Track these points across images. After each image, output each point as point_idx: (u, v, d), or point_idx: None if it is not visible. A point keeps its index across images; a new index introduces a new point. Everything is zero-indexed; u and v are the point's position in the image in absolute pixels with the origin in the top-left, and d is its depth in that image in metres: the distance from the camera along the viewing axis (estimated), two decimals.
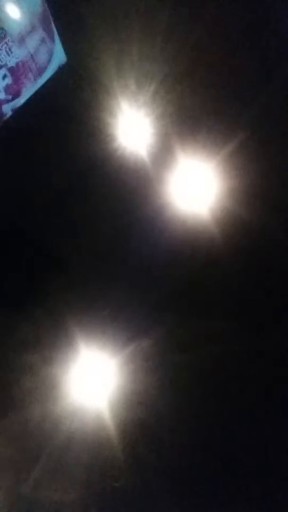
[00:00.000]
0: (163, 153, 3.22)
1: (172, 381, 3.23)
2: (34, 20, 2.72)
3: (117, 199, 3.31)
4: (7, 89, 2.74)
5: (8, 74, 2.70)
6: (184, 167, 3.24)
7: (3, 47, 2.58)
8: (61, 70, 3.00)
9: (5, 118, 2.85)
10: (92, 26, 3.02)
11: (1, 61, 2.61)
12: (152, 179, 3.27)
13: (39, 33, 2.78)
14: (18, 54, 2.70)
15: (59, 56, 2.98)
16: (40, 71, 2.90)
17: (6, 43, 2.58)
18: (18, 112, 2.91)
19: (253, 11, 2.91)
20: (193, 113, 3.14)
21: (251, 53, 3.02)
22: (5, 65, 2.64)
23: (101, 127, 3.20)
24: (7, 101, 2.80)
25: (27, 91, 2.88)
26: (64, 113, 3.17)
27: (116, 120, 3.21)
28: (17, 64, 2.71)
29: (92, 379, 3.27)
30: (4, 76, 2.68)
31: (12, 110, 2.86)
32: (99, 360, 3.28)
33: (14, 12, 2.57)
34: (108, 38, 3.02)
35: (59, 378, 3.24)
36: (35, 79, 2.89)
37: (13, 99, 2.82)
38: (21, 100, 2.87)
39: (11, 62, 2.68)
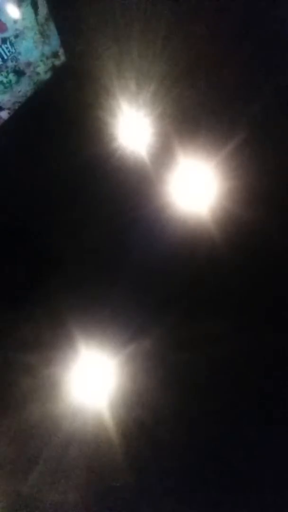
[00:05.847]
0: (163, 153, 3.22)
1: (172, 381, 3.23)
2: None
3: (117, 199, 3.31)
4: None
5: None
6: (184, 167, 3.24)
7: None
8: (61, 70, 3.00)
9: None
10: (92, 26, 3.02)
11: None
12: (152, 179, 3.27)
13: None
14: None
15: None
16: None
17: None
18: (18, 112, 2.91)
19: (253, 11, 2.91)
20: (193, 113, 3.14)
21: (251, 53, 3.02)
22: None
23: (101, 127, 3.20)
24: None
25: None
26: (65, 113, 3.17)
27: (116, 120, 3.21)
28: None
29: (92, 379, 3.27)
30: None
31: None
32: (99, 360, 3.28)
33: None
34: (108, 38, 3.02)
35: (59, 378, 3.24)
36: None
37: None
38: None
39: None
